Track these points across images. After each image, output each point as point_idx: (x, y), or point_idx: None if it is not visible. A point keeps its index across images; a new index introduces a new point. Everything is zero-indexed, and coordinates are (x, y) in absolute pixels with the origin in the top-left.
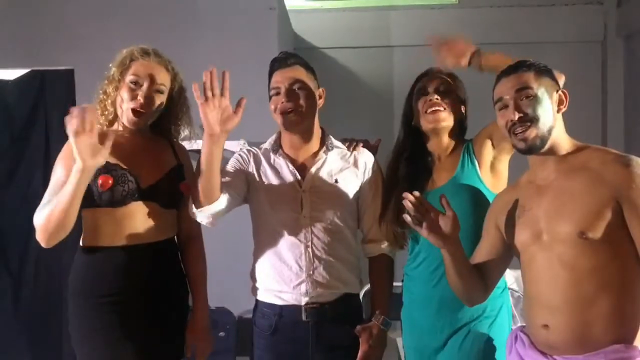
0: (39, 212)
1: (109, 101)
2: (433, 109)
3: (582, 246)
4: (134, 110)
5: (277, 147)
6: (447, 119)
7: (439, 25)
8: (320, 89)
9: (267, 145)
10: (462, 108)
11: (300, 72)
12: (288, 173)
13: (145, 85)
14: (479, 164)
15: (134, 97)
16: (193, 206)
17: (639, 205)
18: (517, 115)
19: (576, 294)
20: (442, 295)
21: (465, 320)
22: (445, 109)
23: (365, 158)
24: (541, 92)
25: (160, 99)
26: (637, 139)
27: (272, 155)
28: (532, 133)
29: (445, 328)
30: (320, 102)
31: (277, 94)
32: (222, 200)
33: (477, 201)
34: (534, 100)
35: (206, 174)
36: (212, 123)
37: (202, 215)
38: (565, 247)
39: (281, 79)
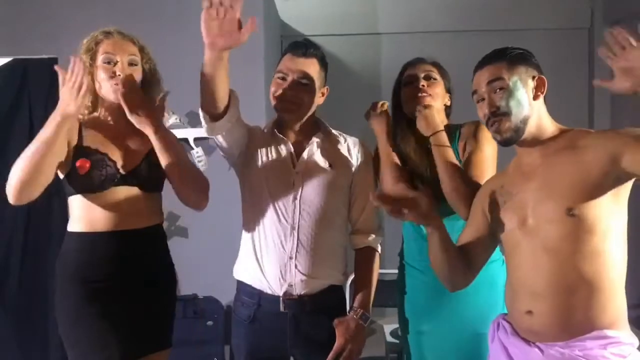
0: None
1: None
2: (420, 94)
3: (569, 225)
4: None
5: (275, 126)
6: (432, 102)
7: (426, 13)
8: (325, 88)
9: (265, 124)
10: (448, 97)
11: (313, 68)
12: (285, 151)
13: (119, 60)
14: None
15: (112, 75)
16: (205, 122)
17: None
18: (490, 109)
19: (560, 279)
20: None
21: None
22: (431, 95)
23: (359, 146)
24: (513, 82)
25: (137, 72)
26: (623, 126)
27: (269, 134)
28: (504, 125)
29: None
30: (320, 100)
31: (283, 79)
32: (233, 112)
33: None
34: (506, 92)
35: (209, 84)
36: (209, 34)
37: (216, 130)
38: (551, 228)
39: (292, 66)
